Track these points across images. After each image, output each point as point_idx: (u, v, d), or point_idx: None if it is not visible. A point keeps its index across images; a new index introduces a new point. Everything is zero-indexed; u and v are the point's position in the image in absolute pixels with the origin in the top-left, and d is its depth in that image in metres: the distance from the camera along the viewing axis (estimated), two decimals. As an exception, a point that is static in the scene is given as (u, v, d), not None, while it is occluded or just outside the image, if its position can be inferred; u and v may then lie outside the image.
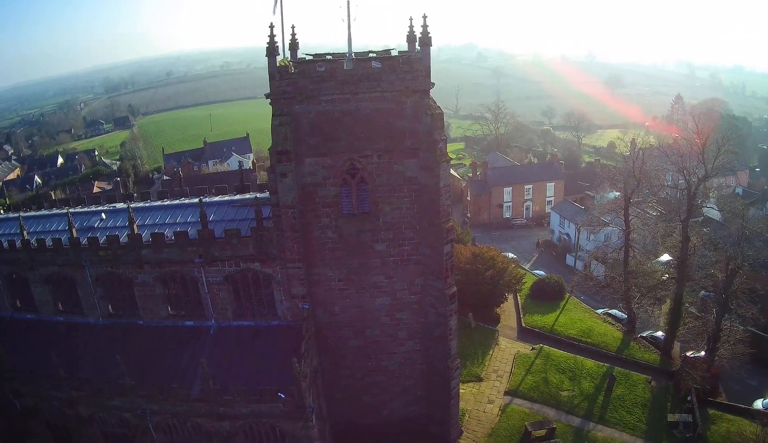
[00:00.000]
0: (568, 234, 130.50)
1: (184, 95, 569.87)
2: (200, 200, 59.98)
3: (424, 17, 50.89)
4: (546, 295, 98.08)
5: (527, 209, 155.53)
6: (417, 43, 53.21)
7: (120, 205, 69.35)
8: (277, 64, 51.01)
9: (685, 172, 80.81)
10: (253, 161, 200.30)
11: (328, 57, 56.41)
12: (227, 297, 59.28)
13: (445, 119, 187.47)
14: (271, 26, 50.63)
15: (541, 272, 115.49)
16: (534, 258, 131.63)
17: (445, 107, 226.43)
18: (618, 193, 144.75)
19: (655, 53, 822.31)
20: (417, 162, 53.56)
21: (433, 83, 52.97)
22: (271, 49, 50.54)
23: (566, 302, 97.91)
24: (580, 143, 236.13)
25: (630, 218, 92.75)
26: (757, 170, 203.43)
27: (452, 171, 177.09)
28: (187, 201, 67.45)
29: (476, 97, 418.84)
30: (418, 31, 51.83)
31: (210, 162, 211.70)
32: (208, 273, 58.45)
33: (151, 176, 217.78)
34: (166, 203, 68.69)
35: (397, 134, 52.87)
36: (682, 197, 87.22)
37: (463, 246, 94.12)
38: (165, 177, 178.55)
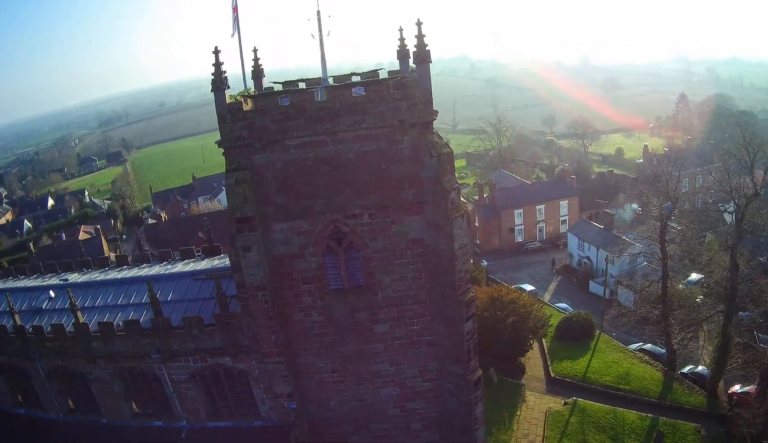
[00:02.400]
0: (588, 258, 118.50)
1: (176, 126, 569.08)
2: (149, 284, 47.63)
3: (419, 25, 38.72)
4: (574, 335, 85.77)
5: (540, 231, 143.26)
6: (411, 60, 41.22)
7: (74, 276, 59.15)
8: (228, 101, 38.90)
9: (733, 193, 67.88)
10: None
11: (301, 85, 45.75)
12: (198, 396, 48.45)
13: (443, 135, 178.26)
14: (216, 51, 39.11)
15: (565, 305, 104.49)
16: (553, 286, 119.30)
17: (442, 123, 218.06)
18: (637, 205, 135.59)
19: (650, 52, 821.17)
20: (422, 219, 41.07)
21: (437, 111, 40.99)
22: (218, 81, 38.71)
23: (597, 341, 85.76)
24: (586, 152, 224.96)
25: (667, 243, 78.84)
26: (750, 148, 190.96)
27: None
28: (144, 273, 56.08)
29: (473, 109, 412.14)
30: (411, 45, 39.85)
31: (200, 199, 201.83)
32: (170, 370, 47.79)
33: (141, 216, 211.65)
34: (120, 276, 57.27)
35: (393, 184, 40.26)
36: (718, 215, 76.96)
37: (478, 288, 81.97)
38: (150, 220, 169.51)
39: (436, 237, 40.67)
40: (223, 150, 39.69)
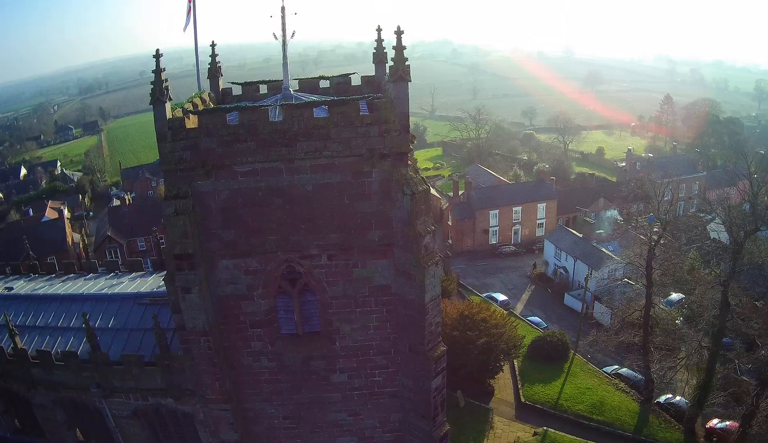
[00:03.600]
0: (565, 268, 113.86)
1: None
2: (85, 319, 42.38)
3: (399, 34, 33.59)
4: (547, 355, 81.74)
5: (516, 233, 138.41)
6: (388, 74, 35.38)
7: (19, 285, 55.42)
8: (169, 116, 33.08)
9: (733, 227, 63.01)
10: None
11: (263, 89, 42.08)
12: (141, 433, 44.29)
13: (420, 122, 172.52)
14: (158, 55, 33.84)
15: (538, 320, 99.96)
16: (527, 296, 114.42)
17: (420, 108, 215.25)
18: (615, 211, 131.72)
19: (634, 48, 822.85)
20: (389, 264, 35.50)
21: (413, 137, 34.77)
22: (158, 92, 32.94)
23: (571, 363, 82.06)
24: (566, 149, 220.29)
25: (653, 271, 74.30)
26: (755, 176, 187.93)
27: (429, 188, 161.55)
28: (86, 290, 51.97)
29: (452, 95, 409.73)
30: (390, 49, 34.34)
31: None
32: (111, 405, 43.69)
33: (109, 191, 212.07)
34: (63, 290, 52.92)
35: (358, 223, 34.64)
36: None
37: (448, 302, 77.17)
38: (116, 200, 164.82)
39: (404, 285, 35.27)
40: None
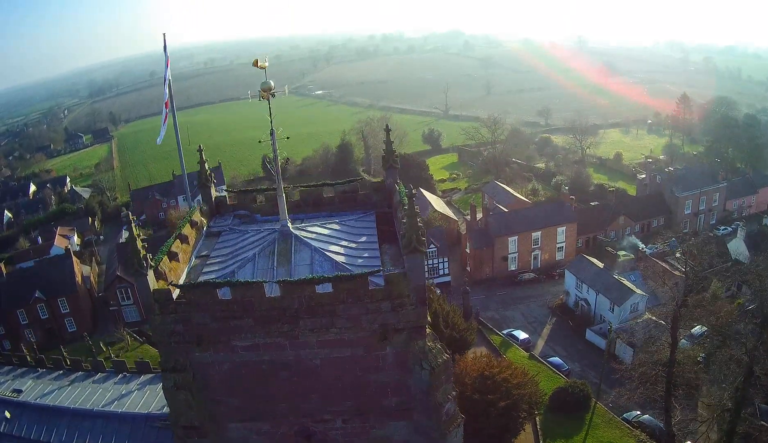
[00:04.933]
0: (586, 301, 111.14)
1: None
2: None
3: (387, 131, 38.20)
4: (569, 407, 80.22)
5: (535, 258, 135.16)
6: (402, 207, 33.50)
7: (28, 386, 55.16)
8: (153, 286, 30.42)
9: (765, 303, 60.73)
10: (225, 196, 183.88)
11: (260, 199, 41.38)
12: None
13: (434, 124, 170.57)
14: (138, 237, 31.20)
15: (559, 361, 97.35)
16: (547, 331, 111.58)
17: (433, 107, 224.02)
18: (637, 240, 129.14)
19: (646, 35, 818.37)
20: (409, 424, 33.25)
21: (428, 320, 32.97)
22: (137, 264, 30.29)
23: (592, 413, 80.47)
24: (583, 155, 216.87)
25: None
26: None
27: (445, 207, 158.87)
28: (99, 408, 50.74)
29: (466, 91, 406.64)
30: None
31: (180, 198, 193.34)
32: None
33: (120, 212, 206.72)
34: (71, 404, 51.57)
35: (373, 391, 32.55)
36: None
37: (467, 360, 75.03)
38: (124, 232, 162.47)
39: (426, 443, 33.00)
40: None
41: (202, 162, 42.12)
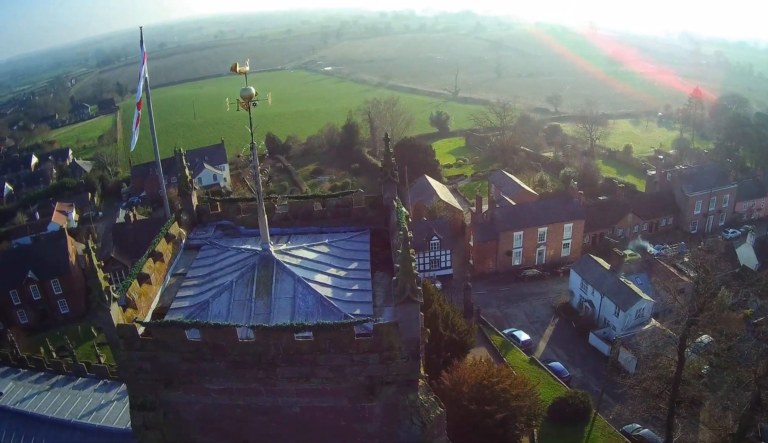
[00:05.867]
0: (590, 303, 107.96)
1: (175, 69, 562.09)
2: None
3: (387, 140, 35.33)
4: (568, 417, 78.05)
5: (540, 254, 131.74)
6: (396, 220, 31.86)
7: (8, 388, 54.26)
8: (118, 321, 27.27)
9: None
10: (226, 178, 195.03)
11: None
12: None
13: (443, 106, 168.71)
14: (97, 268, 27.45)
15: (560, 366, 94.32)
16: (549, 331, 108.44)
17: (442, 89, 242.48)
18: (645, 242, 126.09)
19: (658, 25, 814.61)
20: None
21: (427, 332, 31.00)
22: (99, 299, 26.93)
23: (592, 425, 77.95)
24: (593, 145, 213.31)
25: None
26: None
27: (450, 195, 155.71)
28: (79, 420, 49.37)
29: (476, 73, 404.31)
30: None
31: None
32: None
33: (120, 188, 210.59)
34: (50, 413, 50.44)
35: (359, 441, 29.16)
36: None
37: (466, 366, 72.14)
38: (121, 214, 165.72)
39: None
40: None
41: (181, 168, 38.86)
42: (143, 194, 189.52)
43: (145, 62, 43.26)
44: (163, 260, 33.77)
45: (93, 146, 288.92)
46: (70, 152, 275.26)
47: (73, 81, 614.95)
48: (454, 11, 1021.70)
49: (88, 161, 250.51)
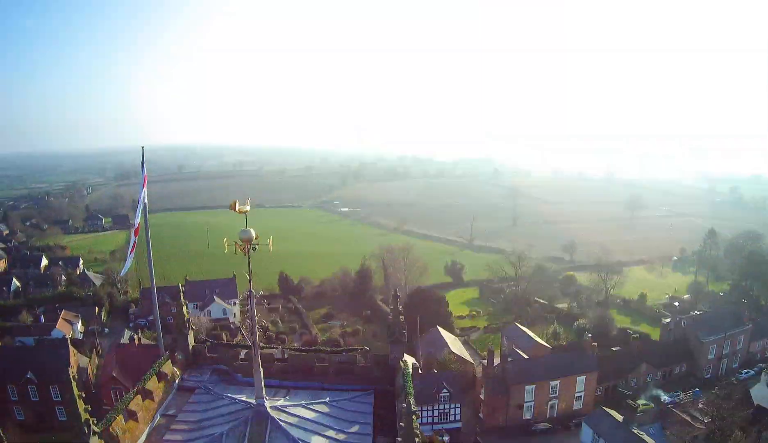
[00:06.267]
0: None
1: (191, 195, 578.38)
2: None
3: (396, 298, 34.95)
4: None
5: (552, 407, 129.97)
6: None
7: None
8: None
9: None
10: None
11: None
12: None
13: (458, 254, 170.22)
14: None
15: None
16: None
17: (458, 236, 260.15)
18: (659, 391, 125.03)
19: (672, 168, 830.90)
20: None
21: None
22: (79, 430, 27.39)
23: None
24: (607, 295, 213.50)
25: None
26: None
27: (462, 347, 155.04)
28: None
29: (492, 220, 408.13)
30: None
31: (189, 305, 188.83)
32: None
33: (128, 308, 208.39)
34: None
35: None
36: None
37: None
38: (126, 335, 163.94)
39: None
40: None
41: (179, 305, 39.60)
42: (151, 317, 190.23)
43: (146, 186, 42.88)
44: (152, 399, 34.50)
45: (104, 260, 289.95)
46: (81, 261, 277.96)
47: (89, 189, 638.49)
48: (473, 157, 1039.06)
49: (99, 274, 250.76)
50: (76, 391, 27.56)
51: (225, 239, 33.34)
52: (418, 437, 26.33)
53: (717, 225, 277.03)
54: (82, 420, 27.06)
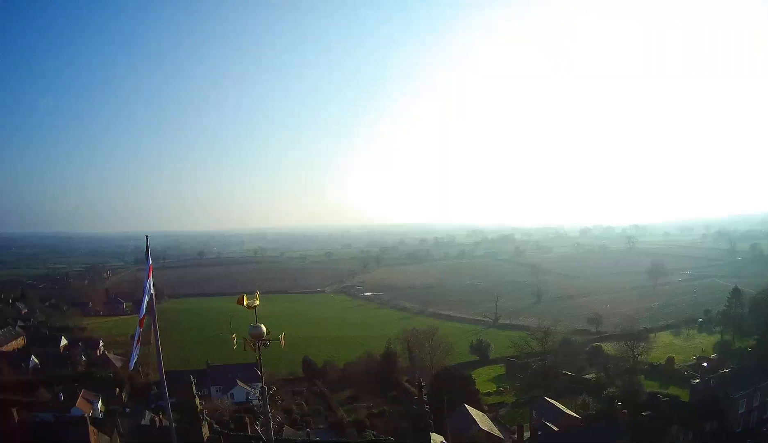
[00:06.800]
0: None
1: (213, 280, 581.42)
2: None
3: None
4: None
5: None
6: None
7: None
8: None
9: None
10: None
11: None
12: None
13: (483, 333, 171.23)
14: None
15: None
16: None
17: (483, 315, 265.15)
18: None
19: (694, 231, 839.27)
20: None
21: None
22: None
23: None
24: (634, 362, 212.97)
25: None
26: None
27: (491, 423, 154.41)
28: None
29: (516, 299, 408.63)
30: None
31: (212, 388, 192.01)
32: None
33: (149, 390, 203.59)
34: None
35: None
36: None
37: None
38: (147, 416, 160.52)
39: None
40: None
41: (191, 396, 40.45)
42: (173, 399, 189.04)
43: (151, 277, 41.39)
44: None
45: (125, 342, 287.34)
46: (101, 343, 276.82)
47: (109, 273, 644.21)
48: (494, 236, 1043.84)
49: (119, 356, 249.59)
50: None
51: (233, 335, 32.56)
52: None
53: (740, 283, 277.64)
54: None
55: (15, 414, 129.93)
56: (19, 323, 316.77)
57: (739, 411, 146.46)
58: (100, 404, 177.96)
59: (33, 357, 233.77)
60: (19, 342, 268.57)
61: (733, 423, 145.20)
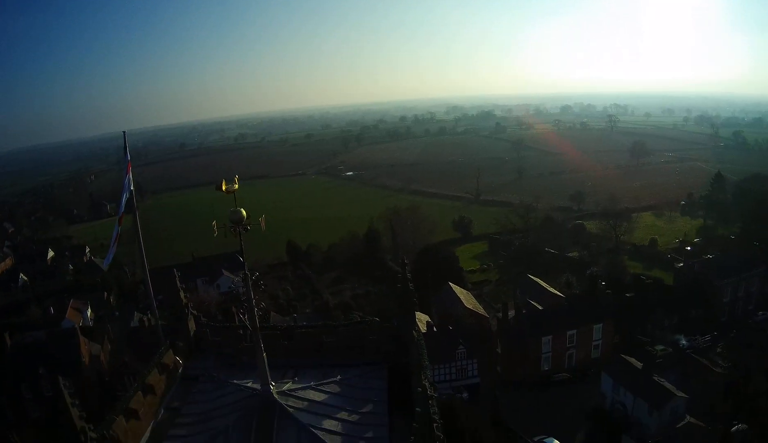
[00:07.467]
0: (623, 404, 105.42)
1: (195, 171, 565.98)
2: None
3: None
4: None
5: (570, 357, 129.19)
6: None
7: None
8: None
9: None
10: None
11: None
12: None
13: (465, 210, 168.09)
14: None
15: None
16: (583, 434, 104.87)
17: (464, 191, 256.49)
18: (680, 336, 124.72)
19: (677, 113, 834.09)
20: None
21: None
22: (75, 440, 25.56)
23: None
24: (617, 242, 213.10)
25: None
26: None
27: (475, 302, 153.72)
28: None
29: (497, 174, 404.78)
30: None
31: (198, 281, 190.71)
32: None
33: (137, 290, 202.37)
34: None
35: None
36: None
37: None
38: (136, 317, 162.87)
39: None
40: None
41: (175, 289, 38.04)
42: (160, 297, 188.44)
43: (130, 173, 40.13)
44: (155, 393, 32.79)
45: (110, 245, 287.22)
46: (87, 249, 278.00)
47: (92, 177, 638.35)
48: (474, 113, 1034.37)
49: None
50: (68, 400, 26.01)
51: (213, 222, 32.30)
52: (435, 422, 24.87)
53: (723, 169, 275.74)
54: (78, 429, 25.38)
55: (7, 338, 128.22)
56: (7, 243, 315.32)
57: (724, 300, 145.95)
58: (89, 311, 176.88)
59: (21, 275, 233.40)
60: (8, 263, 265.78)
61: (719, 311, 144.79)
